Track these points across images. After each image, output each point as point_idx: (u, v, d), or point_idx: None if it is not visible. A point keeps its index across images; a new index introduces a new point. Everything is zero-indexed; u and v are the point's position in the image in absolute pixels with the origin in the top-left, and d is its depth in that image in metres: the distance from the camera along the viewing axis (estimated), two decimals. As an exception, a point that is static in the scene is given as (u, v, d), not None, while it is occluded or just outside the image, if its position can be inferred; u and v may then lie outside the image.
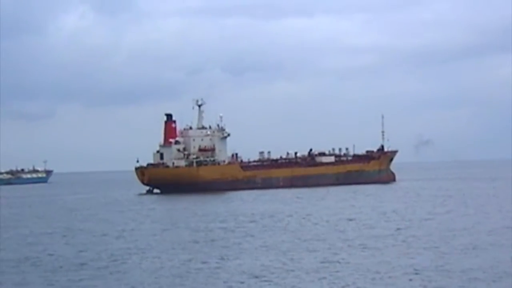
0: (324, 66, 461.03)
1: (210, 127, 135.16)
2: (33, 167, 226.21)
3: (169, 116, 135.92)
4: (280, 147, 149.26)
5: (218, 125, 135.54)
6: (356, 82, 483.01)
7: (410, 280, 34.16)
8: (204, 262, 41.37)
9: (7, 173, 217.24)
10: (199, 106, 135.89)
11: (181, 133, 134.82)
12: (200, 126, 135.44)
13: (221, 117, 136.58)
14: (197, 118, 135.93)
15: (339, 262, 39.92)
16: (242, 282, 34.90)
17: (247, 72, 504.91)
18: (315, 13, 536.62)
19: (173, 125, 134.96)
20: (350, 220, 65.49)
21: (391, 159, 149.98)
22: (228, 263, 40.98)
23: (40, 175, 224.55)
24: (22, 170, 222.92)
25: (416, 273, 35.53)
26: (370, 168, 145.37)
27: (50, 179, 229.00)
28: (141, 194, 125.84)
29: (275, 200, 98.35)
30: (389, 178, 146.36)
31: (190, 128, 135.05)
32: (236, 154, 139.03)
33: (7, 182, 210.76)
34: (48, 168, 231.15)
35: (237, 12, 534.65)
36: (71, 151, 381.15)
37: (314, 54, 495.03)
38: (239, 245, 48.81)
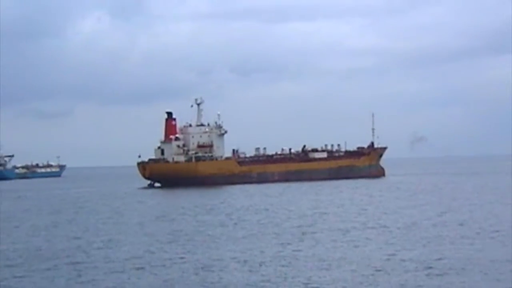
0: (325, 67, 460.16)
1: (208, 125, 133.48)
2: (47, 162, 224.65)
3: (169, 114, 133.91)
4: (283, 143, 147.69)
5: (216, 123, 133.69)
6: (355, 82, 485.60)
7: (354, 270, 31.94)
8: (166, 252, 39.41)
9: (23, 167, 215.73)
10: (198, 104, 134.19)
11: (181, 130, 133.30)
12: (199, 123, 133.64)
13: (219, 115, 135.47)
14: (196, 116, 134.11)
15: (297, 252, 37.66)
16: (196, 274, 32.48)
17: (254, 73, 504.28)
18: (317, 17, 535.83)
19: (173, 122, 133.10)
20: (324, 213, 62.66)
21: (381, 155, 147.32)
22: (188, 254, 38.44)
23: (53, 169, 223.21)
24: (37, 165, 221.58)
25: (367, 264, 33.30)
26: (360, 163, 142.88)
27: (63, 173, 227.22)
28: (142, 188, 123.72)
29: (264, 194, 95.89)
30: (379, 173, 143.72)
31: (190, 125, 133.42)
32: (237, 150, 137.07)
33: (23, 176, 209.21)
34: (62, 163, 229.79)
35: (244, 16, 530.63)
36: (85, 147, 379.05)
37: (316, 56, 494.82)
38: (209, 237, 46.39)
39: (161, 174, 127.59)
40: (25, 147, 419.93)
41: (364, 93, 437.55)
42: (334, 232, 46.99)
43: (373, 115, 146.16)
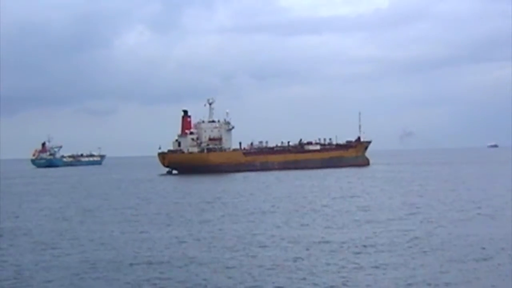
0: (330, 73, 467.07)
1: (218, 121, 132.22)
2: (90, 152, 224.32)
3: (185, 112, 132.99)
4: (291, 136, 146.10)
5: (225, 120, 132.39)
6: (356, 86, 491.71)
7: (308, 249, 29.48)
8: (142, 232, 37.17)
9: (69, 156, 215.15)
10: (210, 104, 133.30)
11: (195, 126, 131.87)
12: (211, 120, 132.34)
13: (227, 113, 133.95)
14: (208, 113, 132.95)
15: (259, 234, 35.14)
16: (161, 252, 30.23)
17: (270, 78, 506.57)
18: (323, 31, 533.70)
19: (189, 119, 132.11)
20: (303, 197, 60.01)
21: (366, 148, 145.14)
22: (157, 233, 36.29)
23: (95, 158, 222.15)
24: (82, 154, 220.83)
25: (311, 245, 30.80)
26: (348, 154, 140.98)
27: (104, 162, 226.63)
28: (162, 175, 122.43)
29: (258, 180, 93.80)
30: (364, 163, 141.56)
31: (203, 121, 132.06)
32: (240, 143, 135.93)
33: (69, 164, 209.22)
34: (102, 153, 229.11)
35: (262, 30, 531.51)
36: (124, 139, 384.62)
37: (323, 63, 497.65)
38: (183, 218, 44.09)
39: (178, 163, 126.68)
40: (77, 139, 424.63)
41: (363, 95, 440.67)
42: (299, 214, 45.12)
43: (359, 114, 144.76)
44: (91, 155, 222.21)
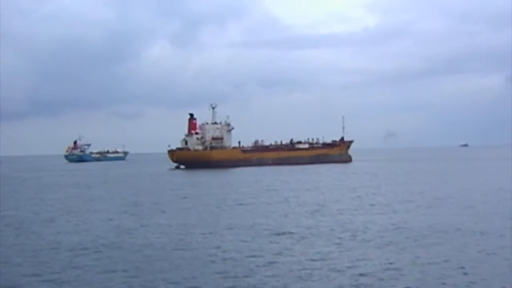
0: (326, 82, 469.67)
1: (220, 123, 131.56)
2: (115, 149, 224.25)
3: (191, 115, 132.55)
4: (290, 136, 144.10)
5: (225, 121, 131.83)
6: (348, 93, 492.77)
7: (271, 242, 28.58)
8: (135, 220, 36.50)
9: (97, 153, 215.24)
10: (213, 108, 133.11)
11: (200, 127, 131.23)
12: (213, 122, 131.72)
13: (228, 116, 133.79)
14: (211, 116, 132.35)
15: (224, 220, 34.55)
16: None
17: (274, 86, 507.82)
18: (320, 46, 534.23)
19: (194, 121, 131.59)
20: (273, 190, 58.93)
21: (349, 146, 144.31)
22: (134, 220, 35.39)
23: (119, 155, 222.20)
24: (108, 151, 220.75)
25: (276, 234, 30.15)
26: (333, 152, 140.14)
27: (127, 158, 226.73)
28: (171, 169, 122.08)
29: (250, 174, 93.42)
30: (347, 159, 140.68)
31: (207, 123, 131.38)
32: (239, 142, 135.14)
33: (97, 159, 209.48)
34: (126, 150, 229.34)
35: (267, 45, 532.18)
36: (147, 138, 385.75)
37: (319, 74, 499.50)
38: (161, 206, 43.19)
39: (184, 159, 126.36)
40: (108, 138, 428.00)
41: (353, 101, 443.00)
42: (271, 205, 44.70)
43: (343, 117, 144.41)
44: (116, 152, 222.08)
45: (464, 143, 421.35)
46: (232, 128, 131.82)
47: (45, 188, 69.16)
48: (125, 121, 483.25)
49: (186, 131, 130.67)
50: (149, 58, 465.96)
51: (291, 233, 29.31)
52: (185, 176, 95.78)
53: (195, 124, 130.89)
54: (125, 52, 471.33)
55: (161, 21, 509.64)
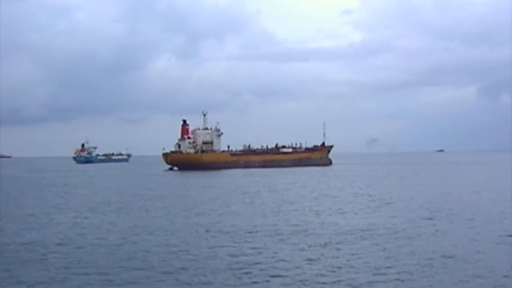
0: (316, 92, 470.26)
1: (210, 128, 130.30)
2: (120, 152, 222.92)
3: (184, 121, 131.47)
4: (285, 140, 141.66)
5: (215, 127, 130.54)
6: (335, 102, 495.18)
7: (207, 239, 27.51)
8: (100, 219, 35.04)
9: (103, 155, 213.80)
10: (204, 115, 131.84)
11: (192, 132, 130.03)
12: (204, 127, 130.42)
13: (217, 122, 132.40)
14: (203, 122, 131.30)
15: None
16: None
17: (268, 95, 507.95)
18: (310, 59, 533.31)
19: (187, 127, 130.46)
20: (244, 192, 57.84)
21: (329, 151, 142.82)
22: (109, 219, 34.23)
23: (123, 157, 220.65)
24: (113, 153, 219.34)
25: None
26: (315, 156, 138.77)
27: (130, 160, 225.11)
28: (165, 171, 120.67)
29: (232, 176, 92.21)
30: (327, 163, 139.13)
31: (198, 129, 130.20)
32: (228, 146, 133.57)
33: (102, 161, 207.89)
34: (129, 152, 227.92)
35: (262, 58, 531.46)
36: (154, 142, 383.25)
37: (309, 84, 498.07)
38: (129, 206, 41.88)
39: (177, 161, 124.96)
40: (116, 142, 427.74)
41: (341, 109, 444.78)
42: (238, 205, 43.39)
43: (324, 124, 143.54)
44: (120, 154, 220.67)
45: (440, 148, 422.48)
46: (222, 133, 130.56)
47: (34, 187, 67.77)
48: (132, 126, 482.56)
49: (179, 136, 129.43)
50: (155, 69, 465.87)
51: (227, 232, 28.10)
52: (172, 177, 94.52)
53: (188, 129, 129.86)
54: (134, 64, 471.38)
55: (166, 36, 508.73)
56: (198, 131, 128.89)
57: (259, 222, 31.80)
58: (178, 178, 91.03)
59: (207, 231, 28.56)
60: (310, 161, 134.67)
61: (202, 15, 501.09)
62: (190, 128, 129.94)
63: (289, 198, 47.51)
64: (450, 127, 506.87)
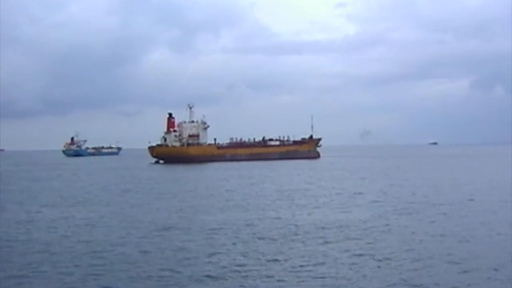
0: (310, 85, 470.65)
1: (196, 121, 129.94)
2: (110, 145, 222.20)
3: (170, 114, 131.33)
4: (279, 133, 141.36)
5: (202, 120, 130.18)
6: (330, 95, 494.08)
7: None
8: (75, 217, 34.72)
9: (92, 148, 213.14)
10: (190, 108, 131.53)
11: (178, 125, 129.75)
12: (190, 121, 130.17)
13: (204, 115, 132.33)
14: (189, 115, 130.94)
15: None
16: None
17: (263, 88, 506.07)
18: (304, 52, 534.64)
19: (173, 120, 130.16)
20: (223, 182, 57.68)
21: (317, 144, 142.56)
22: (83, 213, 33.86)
23: (113, 150, 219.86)
24: (102, 147, 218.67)
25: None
26: (302, 149, 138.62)
27: (120, 153, 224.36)
28: (151, 164, 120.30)
29: (214, 170, 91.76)
30: (315, 156, 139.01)
31: (184, 122, 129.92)
32: (215, 139, 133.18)
33: (92, 154, 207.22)
34: (119, 146, 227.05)
35: (256, 51, 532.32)
36: (147, 135, 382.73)
37: (303, 77, 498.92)
38: (111, 200, 41.84)
39: (163, 155, 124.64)
40: (110, 134, 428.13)
41: (335, 102, 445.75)
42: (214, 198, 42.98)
43: (312, 117, 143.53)
44: (110, 147, 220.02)
45: (433, 141, 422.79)
46: (208, 126, 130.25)
47: (11, 182, 67.22)
48: (126, 119, 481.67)
49: (166, 129, 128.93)
50: (149, 62, 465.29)
51: (177, 228, 27.79)
52: (154, 170, 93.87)
53: (174, 122, 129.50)
54: (128, 57, 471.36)
55: (161, 28, 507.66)
56: (184, 124, 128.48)
57: (212, 218, 31.52)
58: (159, 171, 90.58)
59: (167, 228, 28.20)
60: (298, 154, 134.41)
61: (196, 8, 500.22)
62: (176, 121, 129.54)
63: (254, 192, 47.22)
64: (443, 120, 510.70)
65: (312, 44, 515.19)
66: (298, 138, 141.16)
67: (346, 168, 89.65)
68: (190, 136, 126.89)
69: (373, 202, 37.85)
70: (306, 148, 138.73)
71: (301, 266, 18.63)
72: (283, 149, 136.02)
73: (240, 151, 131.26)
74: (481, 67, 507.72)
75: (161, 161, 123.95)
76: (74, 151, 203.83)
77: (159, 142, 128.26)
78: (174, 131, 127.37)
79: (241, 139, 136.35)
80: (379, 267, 18.45)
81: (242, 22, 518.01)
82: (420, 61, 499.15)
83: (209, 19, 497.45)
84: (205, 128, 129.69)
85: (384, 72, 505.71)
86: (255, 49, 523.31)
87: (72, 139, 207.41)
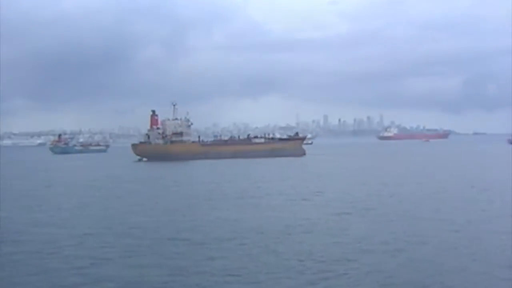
0: (302, 83, 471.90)
1: (180, 119, 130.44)
2: (98, 142, 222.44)
3: (153, 111, 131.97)
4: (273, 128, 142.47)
5: (185, 118, 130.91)
6: (322, 93, 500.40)
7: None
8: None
9: (80, 145, 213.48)
10: (174, 105, 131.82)
11: (161, 122, 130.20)
12: (174, 118, 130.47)
13: (187, 112, 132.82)
14: (172, 113, 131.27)
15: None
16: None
17: (255, 86, 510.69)
18: (297, 50, 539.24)
19: (156, 117, 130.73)
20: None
21: (303, 141, 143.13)
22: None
23: (101, 147, 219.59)
24: (90, 144, 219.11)
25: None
26: (288, 146, 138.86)
27: (108, 150, 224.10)
28: (134, 161, 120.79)
29: (194, 167, 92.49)
30: (301, 153, 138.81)
31: (168, 119, 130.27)
32: (199, 136, 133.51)
33: (80, 151, 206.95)
34: (107, 143, 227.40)
35: (249, 48, 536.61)
36: (138, 132, 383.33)
37: (296, 75, 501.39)
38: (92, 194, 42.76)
39: (147, 152, 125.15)
40: (102, 131, 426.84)
41: (327, 100, 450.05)
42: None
43: (297, 115, 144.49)
44: (98, 145, 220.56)
45: (426, 138, 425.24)
46: (191, 124, 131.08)
47: None
48: (118, 116, 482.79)
49: (149, 126, 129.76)
50: (143, 59, 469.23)
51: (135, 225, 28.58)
52: (133, 169, 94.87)
53: (157, 120, 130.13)
54: (121, 54, 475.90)
55: (154, 26, 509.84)
56: (167, 122, 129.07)
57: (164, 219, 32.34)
58: (137, 169, 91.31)
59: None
60: (283, 152, 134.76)
61: (189, 5, 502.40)
62: (160, 119, 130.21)
63: (219, 191, 48.03)
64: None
65: (304, 41, 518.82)
66: (284, 136, 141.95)
67: (327, 167, 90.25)
68: (173, 133, 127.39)
69: (327, 202, 38.67)
70: (292, 146, 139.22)
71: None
72: (268, 146, 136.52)
73: (225, 148, 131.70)
74: (474, 65, 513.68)
75: (144, 159, 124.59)
76: (61, 148, 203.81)
77: (142, 140, 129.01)
78: (157, 128, 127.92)
79: (220, 137, 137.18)
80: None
81: (235, 20, 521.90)
82: (413, 59, 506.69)
83: (201, 17, 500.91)
84: (189, 126, 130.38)
85: (377, 70, 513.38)
86: (248, 47, 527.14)
87: (59, 136, 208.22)
